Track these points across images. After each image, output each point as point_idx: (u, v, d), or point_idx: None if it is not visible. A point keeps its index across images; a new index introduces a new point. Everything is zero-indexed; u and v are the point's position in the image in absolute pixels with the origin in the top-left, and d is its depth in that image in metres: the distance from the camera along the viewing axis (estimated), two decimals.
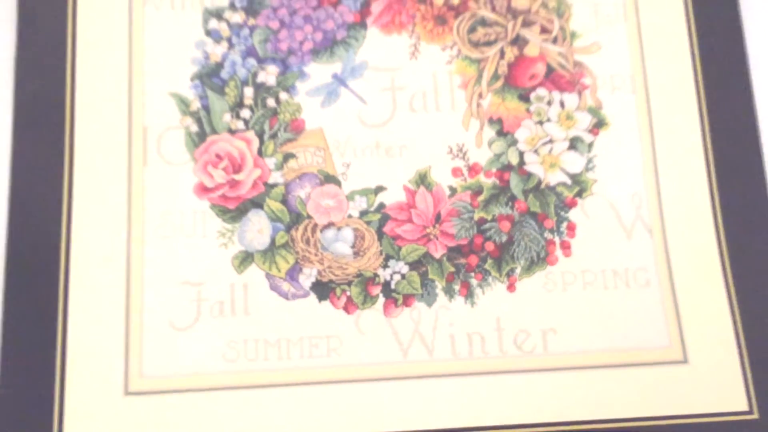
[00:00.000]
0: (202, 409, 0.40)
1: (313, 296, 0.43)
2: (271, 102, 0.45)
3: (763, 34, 0.48)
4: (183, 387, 0.41)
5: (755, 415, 0.42)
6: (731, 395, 0.42)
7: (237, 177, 0.44)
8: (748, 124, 0.46)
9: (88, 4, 0.45)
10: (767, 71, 0.47)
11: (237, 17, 0.46)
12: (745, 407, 0.42)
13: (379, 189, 0.44)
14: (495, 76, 0.46)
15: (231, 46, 0.45)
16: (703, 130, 0.46)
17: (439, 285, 0.43)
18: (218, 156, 0.44)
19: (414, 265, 0.43)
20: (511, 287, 0.43)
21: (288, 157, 0.44)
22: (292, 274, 0.43)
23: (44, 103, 0.43)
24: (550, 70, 0.47)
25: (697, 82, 0.46)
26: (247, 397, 0.41)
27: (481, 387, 0.42)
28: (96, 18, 0.45)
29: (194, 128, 0.44)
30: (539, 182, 0.45)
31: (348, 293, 0.43)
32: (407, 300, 0.43)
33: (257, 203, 0.43)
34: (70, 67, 0.44)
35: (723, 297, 0.43)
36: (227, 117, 0.44)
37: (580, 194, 0.45)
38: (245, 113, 0.44)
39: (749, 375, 0.42)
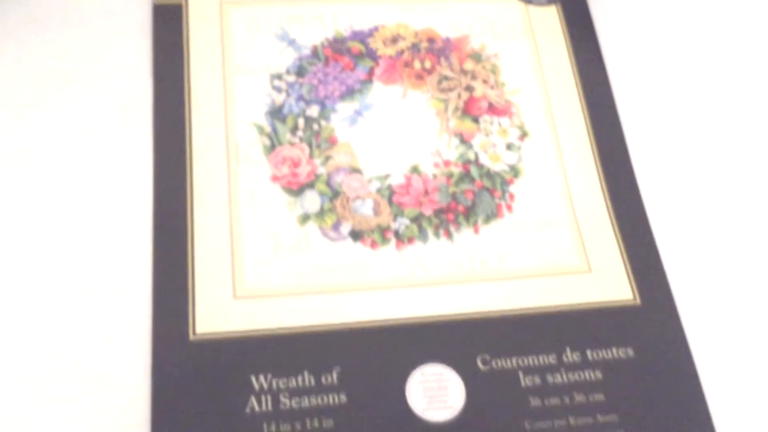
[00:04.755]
0: (282, 307, 0.60)
1: (350, 239, 0.64)
2: (315, 126, 0.69)
3: (625, 80, 0.75)
4: (270, 293, 0.60)
5: (638, 302, 0.64)
6: (621, 290, 0.64)
7: (297, 170, 0.67)
8: (615, 129, 0.72)
9: (199, 72, 0.70)
10: (630, 108, 0.74)
11: (291, 78, 0.72)
12: (630, 297, 0.64)
13: (387, 176, 0.68)
14: (456, 108, 0.72)
15: (288, 95, 0.71)
16: (589, 136, 0.71)
17: (430, 231, 0.66)
18: (284, 158, 0.68)
19: (413, 220, 0.66)
20: (476, 231, 0.66)
21: (328, 158, 0.68)
22: (336, 227, 0.65)
23: (174, 131, 0.67)
24: (491, 104, 0.73)
25: (582, 107, 0.72)
26: (310, 300, 0.60)
27: (460, 291, 0.62)
28: (204, 82, 0.69)
29: (267, 143, 0.68)
30: (489, 170, 0.70)
31: (372, 237, 0.66)
32: (410, 240, 0.64)
33: (311, 185, 0.66)
34: (188, 112, 0.67)
35: (610, 231, 0.66)
36: (288, 135, 0.69)
37: (516, 176, 0.68)
38: (299, 133, 0.69)
39: (632, 278, 0.65)
